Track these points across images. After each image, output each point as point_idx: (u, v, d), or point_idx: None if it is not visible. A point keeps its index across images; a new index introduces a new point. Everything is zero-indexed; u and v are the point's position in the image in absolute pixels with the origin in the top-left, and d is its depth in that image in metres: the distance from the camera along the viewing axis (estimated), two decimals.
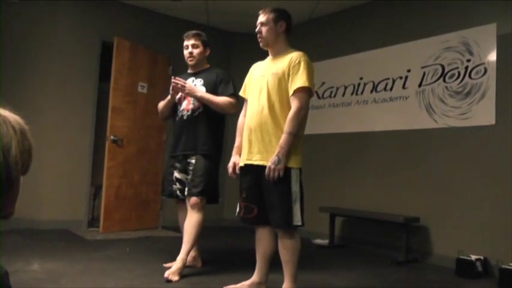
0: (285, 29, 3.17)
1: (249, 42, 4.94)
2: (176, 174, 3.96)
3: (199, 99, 3.82)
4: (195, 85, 3.92)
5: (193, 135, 3.86)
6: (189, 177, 3.83)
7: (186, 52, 4.03)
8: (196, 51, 3.99)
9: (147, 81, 6.26)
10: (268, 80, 3.10)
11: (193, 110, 3.87)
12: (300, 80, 2.99)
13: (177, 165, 3.95)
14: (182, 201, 3.98)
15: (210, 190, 3.84)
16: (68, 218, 5.80)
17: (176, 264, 3.60)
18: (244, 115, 3.32)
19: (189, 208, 3.77)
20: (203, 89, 3.87)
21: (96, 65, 6.14)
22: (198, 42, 3.99)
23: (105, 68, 6.04)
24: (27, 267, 3.68)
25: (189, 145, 3.87)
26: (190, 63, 4.04)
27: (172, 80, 3.82)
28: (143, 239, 5.50)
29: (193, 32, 4.06)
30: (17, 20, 5.75)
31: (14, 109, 1.00)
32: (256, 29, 3.17)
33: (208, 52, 4.07)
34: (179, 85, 3.79)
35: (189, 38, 4.02)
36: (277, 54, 3.18)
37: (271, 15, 3.13)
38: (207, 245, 4.70)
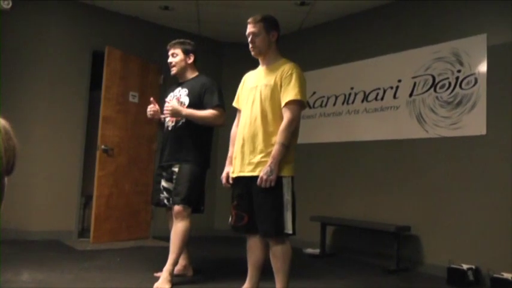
0: (276, 38, 3.20)
1: (241, 51, 4.95)
2: (163, 183, 3.97)
3: (186, 118, 3.81)
4: (180, 95, 3.94)
5: (176, 144, 3.87)
6: (173, 186, 3.84)
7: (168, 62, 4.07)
8: (175, 60, 3.99)
9: (138, 91, 6.25)
10: (261, 91, 3.11)
11: (176, 121, 3.87)
12: (291, 92, 3.00)
13: (164, 174, 3.97)
14: (171, 210, 3.96)
15: (194, 199, 3.82)
16: (58, 229, 5.75)
17: (162, 275, 3.60)
18: (237, 125, 3.33)
19: (173, 217, 3.77)
20: (187, 99, 3.88)
21: (87, 74, 6.12)
22: (177, 51, 3.99)
23: (96, 77, 6.02)
24: (17, 277, 3.64)
25: (173, 154, 3.88)
26: (172, 72, 4.06)
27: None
28: (134, 249, 5.46)
29: (174, 41, 4.06)
30: (8, 29, 5.73)
31: (4, 118, 0.98)
32: (249, 40, 3.18)
33: (191, 59, 4.03)
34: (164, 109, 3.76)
35: (169, 48, 4.04)
36: (269, 63, 3.19)
37: (263, 25, 3.14)
38: (198, 254, 4.69)
